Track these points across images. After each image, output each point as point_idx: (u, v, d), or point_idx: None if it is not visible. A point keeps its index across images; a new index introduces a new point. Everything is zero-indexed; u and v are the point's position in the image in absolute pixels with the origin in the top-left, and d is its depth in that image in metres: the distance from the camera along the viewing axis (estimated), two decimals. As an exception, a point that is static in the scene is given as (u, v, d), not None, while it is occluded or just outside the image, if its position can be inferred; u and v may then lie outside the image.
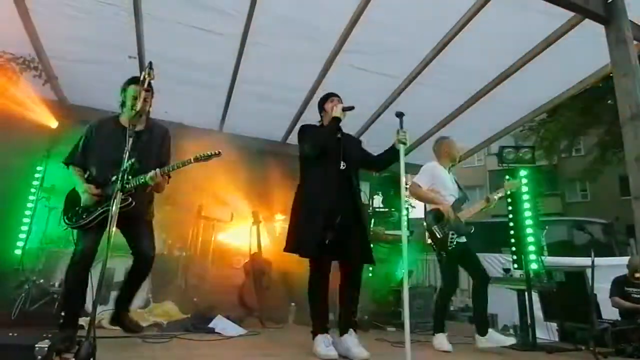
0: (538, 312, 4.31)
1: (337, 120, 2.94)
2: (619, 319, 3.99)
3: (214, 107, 4.86)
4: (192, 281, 4.27)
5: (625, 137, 2.74)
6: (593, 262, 3.53)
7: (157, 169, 2.54)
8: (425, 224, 3.67)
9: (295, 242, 2.84)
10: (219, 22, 3.67)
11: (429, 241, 3.57)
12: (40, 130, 4.34)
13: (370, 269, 5.16)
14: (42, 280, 3.79)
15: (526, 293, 3.98)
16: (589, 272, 3.68)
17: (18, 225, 4.16)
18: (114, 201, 2.04)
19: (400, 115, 2.92)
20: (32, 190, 4.25)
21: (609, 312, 4.11)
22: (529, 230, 4.27)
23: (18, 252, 4.06)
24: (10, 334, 1.92)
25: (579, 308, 3.92)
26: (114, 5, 3.49)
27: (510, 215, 4.38)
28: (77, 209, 2.62)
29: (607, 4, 2.94)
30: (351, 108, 2.98)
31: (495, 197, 3.68)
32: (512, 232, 4.35)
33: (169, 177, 2.71)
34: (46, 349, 1.79)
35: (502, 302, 4.36)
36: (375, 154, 3.17)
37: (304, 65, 4.25)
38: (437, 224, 3.51)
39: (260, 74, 4.33)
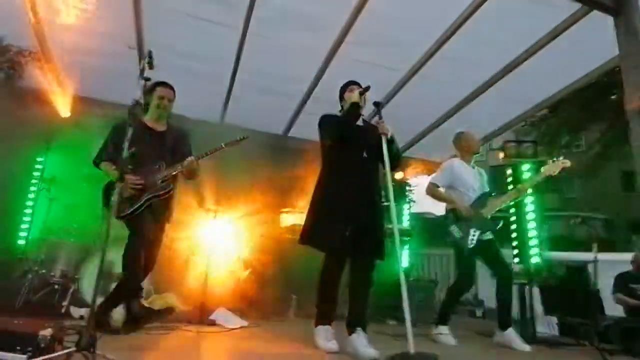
0: (538, 306, 4.30)
1: (355, 105, 2.83)
2: (624, 315, 3.96)
3: (214, 99, 4.82)
4: (193, 273, 4.27)
5: (632, 131, 2.72)
6: (596, 257, 3.52)
7: (192, 157, 2.79)
8: (444, 223, 3.61)
9: (314, 235, 2.75)
10: (220, 13, 3.63)
11: (449, 239, 3.53)
12: (41, 120, 4.31)
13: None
14: (43, 271, 3.80)
15: (527, 287, 3.98)
16: (590, 266, 3.67)
17: (20, 216, 4.15)
18: (115, 191, 2.02)
19: (377, 104, 2.89)
20: (34, 180, 4.23)
21: (612, 308, 4.09)
22: (531, 225, 4.26)
23: (22, 242, 4.06)
24: (16, 322, 1.98)
25: (580, 303, 3.92)
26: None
27: (512, 210, 4.36)
28: (126, 197, 2.75)
29: (617, -6, 2.89)
30: (367, 89, 2.85)
31: (528, 185, 3.60)
32: (514, 227, 4.34)
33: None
34: (49, 337, 1.85)
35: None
36: None
37: (306, 57, 4.21)
38: (455, 224, 3.47)
39: (262, 66, 4.29)
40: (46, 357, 1.76)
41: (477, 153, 3.83)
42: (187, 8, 3.58)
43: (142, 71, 2.26)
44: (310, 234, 2.78)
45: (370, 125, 3.07)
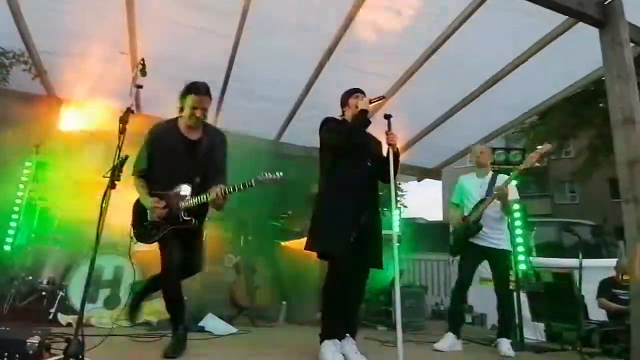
0: (526, 312, 4.35)
1: (365, 112, 2.76)
2: (607, 320, 4.03)
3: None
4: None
5: (616, 140, 2.77)
6: (581, 263, 3.58)
7: (219, 188, 2.47)
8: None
9: (320, 241, 2.68)
10: (212, 21, 3.65)
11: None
12: (29, 125, 4.27)
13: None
14: (30, 277, 3.75)
15: (514, 293, 4.02)
16: (576, 273, 3.73)
17: (6, 222, 4.09)
18: (104, 198, 2.01)
19: (388, 117, 2.86)
20: (21, 186, 4.18)
21: (596, 313, 4.16)
22: (518, 232, 4.32)
23: (7, 248, 4.00)
24: (2, 329, 1.95)
25: (567, 309, 3.97)
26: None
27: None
28: (145, 224, 2.60)
29: (603, 7, 2.95)
30: (380, 99, 2.82)
31: (505, 186, 3.60)
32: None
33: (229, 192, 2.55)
34: (36, 344, 1.83)
35: (491, 302, 4.38)
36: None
37: (298, 64, 4.24)
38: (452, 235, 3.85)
39: (254, 73, 4.31)
40: (34, 364, 1.75)
41: (484, 166, 3.90)
42: (179, 16, 3.59)
43: (134, 78, 2.26)
44: (316, 240, 2.71)
45: (373, 136, 3.03)
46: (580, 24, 3.22)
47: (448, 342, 3.45)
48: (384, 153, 2.88)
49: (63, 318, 3.34)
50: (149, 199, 2.55)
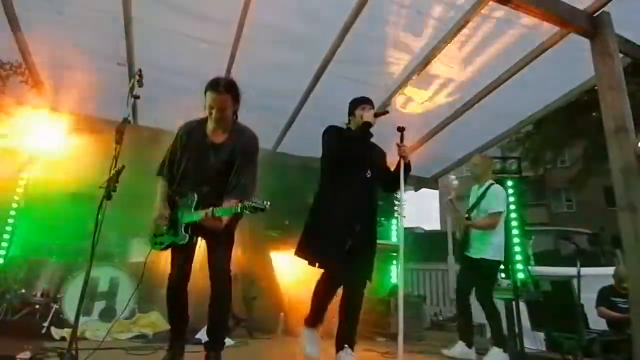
0: (526, 322, 4.32)
1: (368, 125, 2.80)
2: (607, 329, 4.01)
3: (203, 115, 4.83)
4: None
5: (610, 149, 2.80)
6: (579, 272, 3.57)
7: (209, 210, 2.21)
8: None
9: (312, 249, 2.68)
10: (209, 30, 3.68)
11: None
12: (24, 136, 4.25)
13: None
14: (23, 290, 3.69)
15: (514, 302, 4.00)
16: (575, 281, 3.72)
17: (0, 233, 4.05)
18: (99, 209, 2.00)
19: (401, 129, 2.93)
20: (15, 197, 4.15)
21: (596, 322, 4.14)
22: (516, 240, 4.31)
23: (0, 260, 3.95)
24: None
25: (566, 317, 3.94)
26: (104, 11, 3.47)
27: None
28: (157, 229, 2.46)
29: (593, 18, 3.01)
30: (384, 113, 2.87)
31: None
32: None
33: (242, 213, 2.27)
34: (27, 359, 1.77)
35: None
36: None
37: (295, 74, 4.27)
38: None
39: (250, 83, 4.31)
40: (25, 380, 1.71)
41: (480, 177, 4.03)
42: (176, 26, 3.62)
43: (131, 89, 2.27)
44: (307, 248, 2.71)
45: (375, 146, 3.05)
46: (572, 34, 3.28)
47: (458, 349, 3.58)
48: (392, 164, 2.99)
49: (57, 332, 3.27)
50: (160, 206, 2.42)
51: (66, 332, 3.20)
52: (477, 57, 3.93)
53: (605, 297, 4.12)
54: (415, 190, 6.65)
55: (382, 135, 3.05)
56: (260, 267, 4.59)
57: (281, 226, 5.13)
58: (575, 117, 11.25)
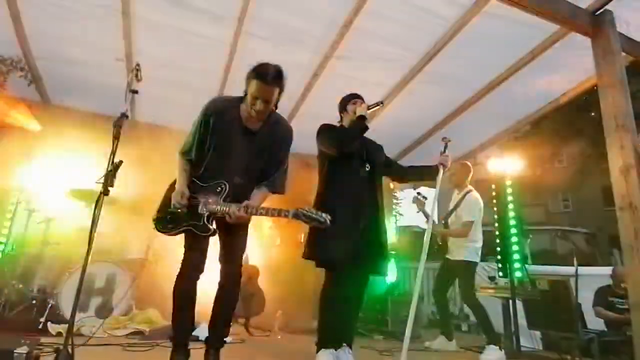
0: (523, 321, 4.33)
1: (363, 118, 2.73)
2: (605, 329, 4.01)
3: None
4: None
5: (609, 148, 2.79)
6: (577, 271, 3.58)
7: (243, 205, 2.09)
8: None
9: (319, 249, 2.62)
10: (209, 27, 3.66)
11: None
12: (22, 131, 4.23)
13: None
14: (21, 285, 3.68)
15: (511, 301, 4.01)
16: (572, 281, 3.72)
17: (-3, 229, 4.03)
18: (96, 205, 1.98)
19: (446, 140, 3.03)
20: (13, 193, 4.12)
21: (594, 321, 4.14)
22: (514, 239, 4.32)
23: (-3, 256, 3.94)
24: None
25: (563, 317, 3.95)
26: (103, 6, 3.44)
27: (496, 225, 4.42)
28: (169, 210, 2.23)
29: (594, 17, 3.00)
30: (378, 105, 2.81)
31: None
32: (497, 240, 4.38)
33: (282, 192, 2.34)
34: (25, 354, 1.80)
35: (487, 310, 4.37)
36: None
37: (294, 71, 4.23)
38: None
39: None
40: (21, 376, 1.70)
41: (458, 185, 4.21)
42: (176, 21, 3.59)
43: (129, 83, 2.24)
44: (314, 249, 2.65)
45: (370, 140, 3.02)
46: (573, 33, 3.27)
47: (438, 342, 3.92)
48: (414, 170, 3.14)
49: (53, 327, 3.26)
50: (183, 187, 2.22)
51: (62, 327, 3.19)
52: (476, 56, 3.92)
53: (603, 297, 4.12)
54: (414, 189, 6.65)
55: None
56: (258, 265, 4.58)
57: (276, 223, 5.13)
58: (574, 116, 11.28)
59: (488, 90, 4.38)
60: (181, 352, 2.21)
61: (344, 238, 2.54)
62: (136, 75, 2.18)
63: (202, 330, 3.48)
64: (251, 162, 2.27)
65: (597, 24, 2.98)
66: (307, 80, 4.38)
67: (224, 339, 2.34)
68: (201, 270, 2.24)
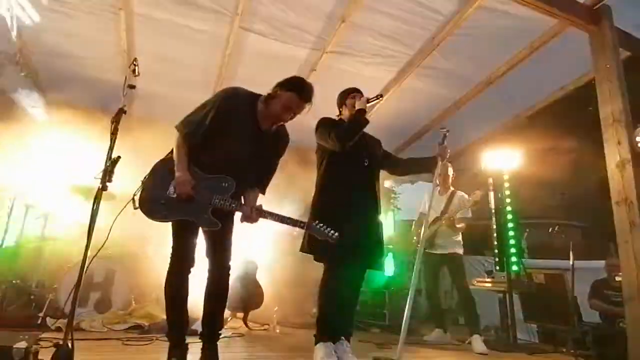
0: (519, 314, 4.38)
1: (363, 112, 2.69)
2: (600, 322, 4.06)
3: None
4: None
5: (606, 143, 2.81)
6: (573, 264, 3.61)
7: (258, 208, 2.13)
8: None
9: (319, 244, 2.53)
10: (206, 22, 3.64)
11: None
12: (18, 125, 4.21)
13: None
14: (19, 281, 3.68)
15: (507, 294, 4.05)
16: (568, 274, 3.76)
17: (-6, 224, 4.02)
18: (95, 200, 1.97)
19: (444, 131, 3.01)
20: (10, 188, 4.11)
21: (589, 314, 4.19)
22: (511, 233, 4.35)
23: (-6, 251, 3.93)
24: None
25: (559, 310, 3.99)
26: (99, 1, 3.42)
27: (493, 218, 4.45)
28: (165, 194, 2.12)
29: (592, 11, 3.00)
30: (377, 97, 2.78)
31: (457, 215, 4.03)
32: (494, 234, 4.42)
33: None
34: (23, 350, 1.78)
35: (483, 303, 4.42)
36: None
37: (289, 65, 4.23)
38: None
39: (247, 75, 4.29)
40: (21, 370, 1.71)
41: (442, 184, 4.24)
42: (173, 16, 3.57)
43: (127, 78, 2.23)
44: (312, 242, 2.61)
45: (367, 134, 2.97)
46: (571, 28, 3.27)
47: (435, 335, 3.99)
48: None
49: (52, 322, 3.27)
50: (186, 173, 2.11)
51: (61, 322, 3.19)
52: (474, 50, 3.91)
53: (598, 289, 4.16)
54: (412, 184, 6.67)
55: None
56: (256, 259, 4.59)
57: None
58: (571, 111, 11.27)
59: (486, 85, 4.38)
60: (178, 347, 2.20)
61: (343, 232, 2.55)
62: (134, 71, 2.16)
63: (199, 325, 3.51)
64: (254, 160, 2.26)
65: (595, 18, 2.99)
66: (305, 75, 4.36)
67: (219, 332, 2.33)
68: (192, 265, 2.19)
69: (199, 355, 2.22)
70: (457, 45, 3.81)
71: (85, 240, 1.89)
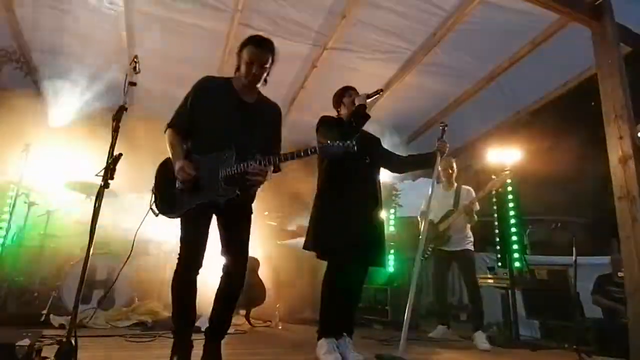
0: (521, 310, 4.38)
1: (364, 107, 2.67)
2: (602, 317, 4.05)
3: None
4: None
5: (608, 138, 2.80)
6: (575, 261, 3.60)
7: (258, 157, 2.05)
8: None
9: (320, 240, 2.62)
10: (206, 17, 3.63)
11: None
12: (19, 124, 4.21)
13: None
14: (22, 278, 3.69)
15: (510, 291, 4.05)
16: (571, 270, 3.75)
17: (-3, 222, 4.04)
18: (97, 198, 1.98)
19: (443, 125, 3.01)
20: (11, 186, 4.12)
21: (592, 310, 4.18)
22: (513, 230, 4.34)
23: (-3, 249, 3.94)
24: None
25: (562, 306, 3.99)
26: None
27: (496, 215, 4.44)
28: (173, 191, 2.11)
29: (594, 6, 2.98)
30: (377, 92, 2.78)
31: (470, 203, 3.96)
32: (496, 231, 4.41)
33: (279, 169, 2.23)
34: (26, 347, 1.77)
35: (486, 299, 4.42)
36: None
37: (291, 63, 4.23)
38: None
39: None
40: (24, 367, 1.71)
41: (442, 180, 4.21)
42: (173, 12, 3.56)
43: (127, 75, 2.22)
44: (315, 240, 2.65)
45: (366, 132, 2.98)
46: (572, 23, 3.25)
47: (439, 331, 3.99)
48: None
49: (55, 320, 3.29)
50: (182, 159, 2.11)
51: (65, 319, 3.21)
52: (475, 46, 3.90)
53: (602, 285, 4.15)
54: (413, 180, 6.67)
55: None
56: (259, 256, 4.60)
57: (277, 215, 5.15)
58: (573, 106, 11.23)
59: (488, 81, 4.37)
60: (183, 345, 2.19)
61: (345, 230, 2.55)
62: (134, 68, 2.16)
63: (204, 321, 3.52)
64: (253, 131, 2.22)
65: (596, 14, 2.97)
66: (306, 72, 4.36)
67: (226, 332, 2.31)
68: (200, 265, 2.13)
69: (202, 352, 2.22)
70: (459, 41, 3.79)
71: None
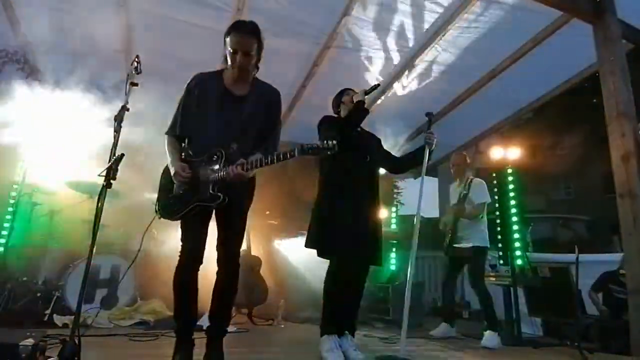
0: (523, 307, 4.37)
1: (362, 104, 2.70)
2: (598, 314, 4.05)
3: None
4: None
5: (610, 135, 2.79)
6: (577, 258, 3.59)
7: (239, 163, 1.99)
8: None
9: (323, 240, 2.64)
10: (207, 17, 3.63)
11: None
12: (19, 122, 4.21)
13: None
14: (25, 278, 3.71)
15: (512, 288, 4.04)
16: (573, 268, 3.74)
17: (0, 222, 4.04)
18: (99, 197, 1.98)
19: (429, 115, 2.98)
20: (15, 186, 4.13)
21: (594, 307, 4.17)
22: (515, 227, 4.33)
23: (1, 248, 3.95)
24: None
25: (564, 304, 3.98)
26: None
27: (497, 213, 4.42)
28: (171, 195, 2.15)
29: (596, 3, 2.97)
30: (376, 87, 2.80)
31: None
32: (498, 228, 4.40)
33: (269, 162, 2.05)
34: (30, 347, 1.77)
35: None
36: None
37: (293, 61, 4.23)
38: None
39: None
40: (28, 367, 1.72)
41: (459, 174, 4.19)
42: (174, 12, 3.57)
43: (129, 76, 2.23)
44: (317, 238, 2.67)
45: (367, 132, 3.01)
46: (575, 20, 3.24)
47: (442, 329, 3.95)
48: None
49: (59, 319, 3.30)
50: (177, 163, 2.12)
51: (68, 319, 3.23)
52: (477, 43, 3.88)
53: (603, 282, 4.14)
54: (415, 178, 6.66)
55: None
56: (261, 255, 4.61)
57: (281, 214, 5.16)
58: (576, 103, 11.20)
59: (489, 78, 4.36)
60: (185, 343, 2.20)
61: (346, 228, 2.57)
62: (136, 68, 2.16)
63: (205, 320, 3.53)
64: (245, 128, 2.17)
65: (598, 10, 2.96)
66: (307, 71, 4.36)
67: (226, 328, 2.32)
68: (200, 261, 2.14)
69: (204, 350, 2.23)
70: (460, 38, 3.78)
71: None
